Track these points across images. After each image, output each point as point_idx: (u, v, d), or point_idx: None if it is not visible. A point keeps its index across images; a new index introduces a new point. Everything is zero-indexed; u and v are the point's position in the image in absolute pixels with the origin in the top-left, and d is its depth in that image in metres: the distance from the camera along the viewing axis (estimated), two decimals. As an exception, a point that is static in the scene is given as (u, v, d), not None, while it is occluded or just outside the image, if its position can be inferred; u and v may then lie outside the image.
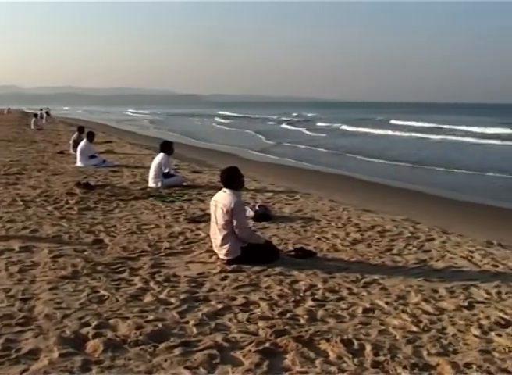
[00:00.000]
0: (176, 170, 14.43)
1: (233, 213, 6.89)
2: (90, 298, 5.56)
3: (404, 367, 4.16)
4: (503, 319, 5.26)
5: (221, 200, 7.04)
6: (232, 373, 4.07)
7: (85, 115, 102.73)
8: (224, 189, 7.15)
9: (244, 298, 5.69)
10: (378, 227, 9.28)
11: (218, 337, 4.63)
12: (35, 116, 42.91)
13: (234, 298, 5.67)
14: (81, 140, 18.45)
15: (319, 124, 64.64)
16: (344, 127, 55.94)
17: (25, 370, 4.00)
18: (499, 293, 6.04)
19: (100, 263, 6.78)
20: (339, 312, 5.35)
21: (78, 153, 17.42)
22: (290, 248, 7.71)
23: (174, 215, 9.88)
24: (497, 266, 7.13)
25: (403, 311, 5.42)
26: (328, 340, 4.62)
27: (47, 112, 58.13)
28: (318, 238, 8.40)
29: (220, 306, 5.42)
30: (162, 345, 4.45)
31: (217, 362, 4.21)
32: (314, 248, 7.77)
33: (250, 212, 9.41)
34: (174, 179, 13.29)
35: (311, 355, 4.35)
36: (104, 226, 8.81)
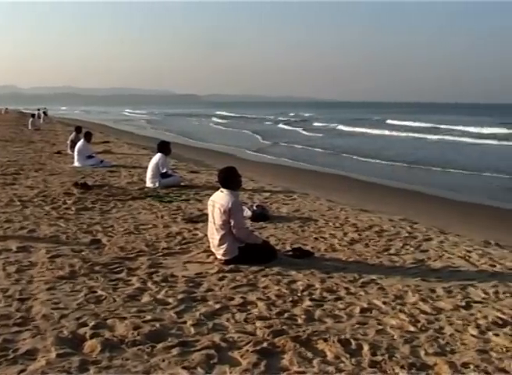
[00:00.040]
0: (173, 170, 14.42)
1: (231, 213, 6.89)
2: (87, 298, 5.56)
3: (402, 367, 4.16)
4: (500, 318, 5.26)
5: (218, 200, 7.04)
6: (230, 373, 4.07)
7: (82, 115, 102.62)
8: (221, 189, 7.15)
9: (242, 298, 5.69)
10: (376, 227, 9.28)
11: (216, 337, 4.63)
12: (32, 116, 42.86)
13: (232, 298, 5.67)
14: (79, 140, 18.44)
15: (316, 124, 64.66)
16: (340, 127, 55.96)
17: (22, 370, 4.00)
18: (496, 293, 6.04)
19: (97, 263, 6.77)
20: (336, 312, 5.36)
21: (75, 153, 17.41)
22: (288, 248, 7.72)
23: (172, 215, 9.88)
24: (495, 266, 7.14)
25: (400, 311, 5.42)
26: (325, 340, 4.62)
27: (44, 113, 58.06)
28: (316, 238, 8.41)
29: (218, 306, 5.42)
30: (160, 345, 4.45)
31: (215, 362, 4.21)
32: (312, 248, 7.77)
33: (247, 212, 9.42)
34: (172, 179, 13.29)
35: (309, 355, 4.36)
36: (102, 227, 8.81)
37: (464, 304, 5.66)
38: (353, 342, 4.59)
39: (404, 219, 10.19)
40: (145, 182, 13.21)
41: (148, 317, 5.06)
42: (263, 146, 32.35)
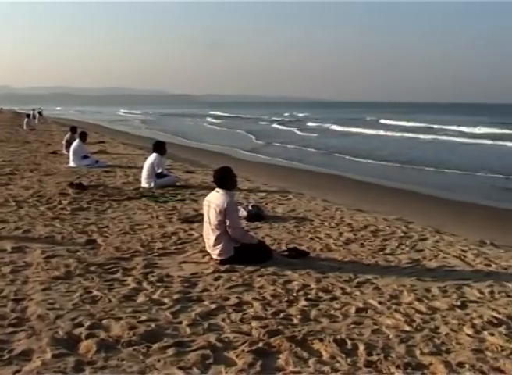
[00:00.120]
0: (168, 170, 14.42)
1: (226, 213, 6.89)
2: (83, 298, 5.55)
3: (397, 367, 4.17)
4: (495, 318, 5.27)
5: (214, 200, 7.04)
6: (226, 373, 4.07)
7: (77, 115, 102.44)
8: (217, 189, 7.15)
9: (237, 298, 5.69)
10: (371, 227, 9.30)
11: (212, 338, 4.63)
12: (27, 116, 42.76)
13: (227, 298, 5.67)
14: (74, 140, 18.42)
15: (310, 124, 64.61)
16: (334, 127, 55.95)
17: (17, 371, 3.99)
18: (491, 292, 6.06)
19: (93, 264, 6.76)
20: (332, 312, 5.36)
21: (71, 153, 17.38)
22: (283, 247, 7.72)
23: (167, 215, 9.87)
24: (490, 266, 7.16)
25: (396, 310, 5.43)
26: (321, 340, 4.62)
27: (39, 113, 57.94)
28: (311, 238, 8.41)
29: (213, 306, 5.42)
30: (155, 346, 4.45)
31: (210, 362, 4.21)
32: (308, 247, 7.78)
33: (243, 212, 9.42)
34: (167, 179, 13.28)
35: (305, 354, 4.36)
36: (97, 227, 8.80)
37: (459, 303, 5.67)
38: (348, 342, 4.59)
39: (399, 219, 10.21)
40: (140, 182, 13.20)
41: (144, 317, 5.06)
42: (257, 146, 32.35)
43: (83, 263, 6.75)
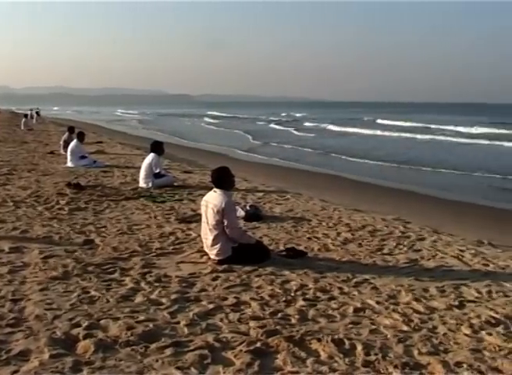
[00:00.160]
0: (166, 170, 14.40)
1: (224, 213, 6.89)
2: (80, 298, 5.55)
3: (395, 366, 4.17)
4: (493, 318, 5.28)
5: (212, 200, 7.04)
6: (224, 373, 4.07)
7: (75, 115, 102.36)
8: (215, 189, 7.15)
9: (235, 298, 5.69)
10: (369, 227, 9.30)
11: (210, 338, 4.63)
12: (25, 116, 42.71)
13: (225, 298, 5.67)
14: (71, 140, 18.39)
15: (307, 124, 64.55)
16: (331, 127, 55.92)
17: (15, 371, 3.98)
18: (489, 292, 6.06)
19: (91, 264, 6.76)
20: (330, 312, 5.36)
21: (68, 153, 17.36)
22: (281, 247, 7.72)
23: (165, 215, 9.87)
24: (488, 265, 7.16)
25: (394, 310, 5.43)
26: (319, 339, 4.62)
27: (37, 113, 57.87)
28: (309, 238, 8.42)
29: (211, 306, 5.42)
30: (153, 346, 4.45)
31: (208, 362, 4.21)
32: (305, 247, 7.78)
33: (240, 212, 9.41)
34: (165, 179, 13.27)
35: (302, 354, 4.36)
36: (95, 227, 8.79)
37: (457, 303, 5.68)
38: (346, 342, 4.60)
39: (397, 219, 10.22)
40: (138, 182, 13.19)
41: (142, 317, 5.06)
42: (254, 146, 32.34)
43: (81, 263, 6.75)
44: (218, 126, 58.66)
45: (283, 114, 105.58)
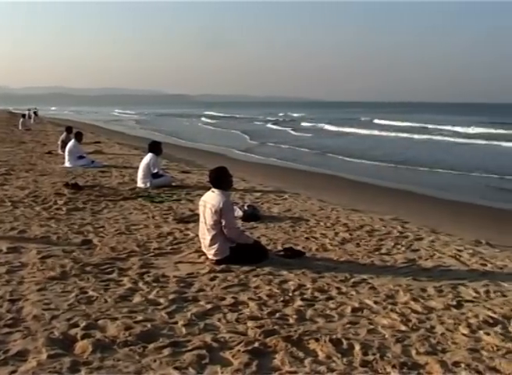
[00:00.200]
0: (164, 170, 14.40)
1: (222, 213, 6.89)
2: (78, 298, 5.55)
3: (393, 366, 4.17)
4: (491, 317, 5.29)
5: (210, 200, 7.04)
6: (222, 373, 4.07)
7: (73, 115, 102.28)
8: (213, 189, 7.15)
9: (233, 298, 5.70)
10: (367, 227, 9.30)
11: (207, 338, 4.63)
12: (23, 116, 42.66)
13: (223, 298, 5.67)
14: (69, 140, 18.37)
15: (304, 124, 64.47)
16: (328, 127, 55.83)
17: (13, 372, 3.98)
18: (487, 292, 6.07)
19: (88, 264, 6.76)
20: (328, 312, 5.36)
21: (66, 153, 17.35)
22: (279, 247, 7.72)
23: (163, 215, 9.87)
24: (485, 265, 7.17)
25: (391, 310, 5.43)
26: (317, 339, 4.62)
27: (35, 113, 57.79)
28: (307, 238, 8.42)
29: (209, 306, 5.42)
30: (151, 346, 4.45)
31: (206, 362, 4.21)
32: (303, 247, 7.78)
33: (238, 212, 9.42)
34: (163, 179, 13.27)
35: (300, 354, 4.36)
36: (93, 227, 8.79)
37: (455, 303, 5.68)
38: (344, 342, 4.60)
39: (395, 219, 10.22)
40: (136, 182, 13.19)
41: (140, 318, 5.06)
42: (251, 146, 32.31)
43: (79, 263, 6.75)
44: (216, 127, 58.59)
45: (281, 114, 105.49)
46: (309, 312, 5.33)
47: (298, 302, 5.61)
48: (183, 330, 4.81)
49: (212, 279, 6.35)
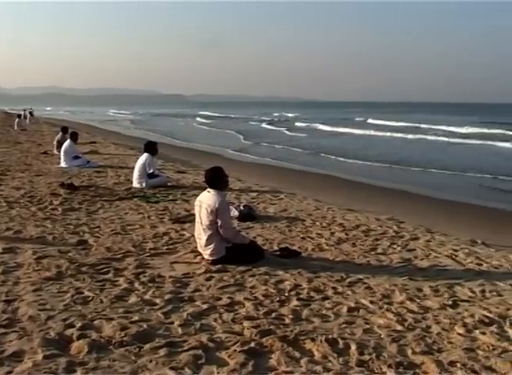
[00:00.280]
0: (160, 170, 14.38)
1: (218, 213, 6.88)
2: (74, 299, 5.54)
3: (389, 366, 4.18)
4: (486, 317, 5.30)
5: (205, 200, 7.04)
6: (218, 373, 4.07)
7: (68, 115, 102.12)
8: (208, 189, 7.14)
9: (229, 298, 5.69)
10: (363, 227, 9.31)
11: (203, 338, 4.63)
12: (18, 116, 42.58)
13: (219, 298, 5.66)
14: (65, 140, 18.34)
15: (298, 124, 64.41)
16: (322, 127, 55.81)
17: (9, 372, 3.97)
18: (483, 291, 6.08)
19: (84, 264, 6.74)
20: (324, 312, 5.37)
21: (62, 154, 17.33)
22: (275, 247, 7.72)
23: (159, 215, 9.86)
24: (481, 265, 7.18)
25: (387, 310, 5.44)
26: (313, 339, 4.62)
27: (30, 113, 57.70)
28: (303, 238, 8.42)
29: (205, 306, 5.41)
30: (147, 346, 4.44)
31: (202, 362, 4.21)
32: (299, 247, 7.78)
33: (234, 212, 9.41)
34: (158, 179, 13.26)
35: (296, 354, 4.36)
36: (89, 227, 8.77)
37: (450, 303, 5.69)
38: (340, 341, 4.60)
39: (391, 219, 10.23)
40: (132, 182, 13.18)
41: (135, 318, 5.05)
42: (245, 146, 32.32)
43: (75, 264, 6.73)
44: (210, 127, 58.57)
45: (276, 114, 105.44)
46: (305, 312, 5.34)
47: (294, 302, 5.61)
48: (179, 330, 4.80)
49: (208, 279, 6.34)
